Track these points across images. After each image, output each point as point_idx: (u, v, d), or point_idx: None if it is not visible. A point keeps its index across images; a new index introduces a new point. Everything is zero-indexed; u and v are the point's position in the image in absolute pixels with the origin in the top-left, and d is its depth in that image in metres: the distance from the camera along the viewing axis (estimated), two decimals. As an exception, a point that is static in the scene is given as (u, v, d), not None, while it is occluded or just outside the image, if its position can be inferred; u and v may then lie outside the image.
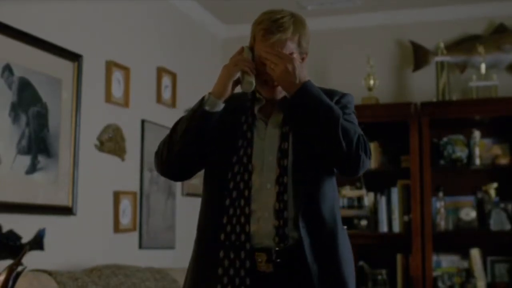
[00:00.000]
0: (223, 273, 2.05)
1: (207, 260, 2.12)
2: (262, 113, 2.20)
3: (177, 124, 2.19)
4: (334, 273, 2.08)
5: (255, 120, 2.18)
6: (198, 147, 2.14)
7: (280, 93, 2.18)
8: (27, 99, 3.22)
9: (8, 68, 3.11)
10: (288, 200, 2.06)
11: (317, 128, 2.05)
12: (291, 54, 2.13)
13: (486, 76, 4.85)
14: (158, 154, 2.21)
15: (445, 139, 4.75)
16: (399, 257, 4.78)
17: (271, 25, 2.12)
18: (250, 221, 2.06)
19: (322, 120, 2.04)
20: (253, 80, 2.14)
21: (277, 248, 2.04)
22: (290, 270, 2.06)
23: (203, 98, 2.14)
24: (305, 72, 2.10)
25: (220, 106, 2.13)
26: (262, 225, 2.06)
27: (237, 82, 2.16)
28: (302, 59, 2.20)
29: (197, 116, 2.12)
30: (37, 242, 1.66)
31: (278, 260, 2.05)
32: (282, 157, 2.09)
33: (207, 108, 2.11)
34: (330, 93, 2.22)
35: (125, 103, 4.01)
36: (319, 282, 2.04)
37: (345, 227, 2.21)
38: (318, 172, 2.12)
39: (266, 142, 2.14)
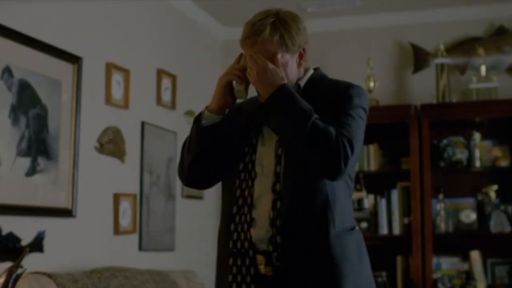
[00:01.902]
0: (232, 279, 2.09)
1: (221, 267, 2.16)
2: None
3: (187, 137, 2.26)
4: (325, 277, 2.04)
5: (261, 125, 2.18)
6: (207, 158, 2.19)
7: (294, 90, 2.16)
8: (27, 101, 3.22)
9: (8, 70, 3.10)
10: (281, 208, 2.06)
11: (286, 133, 2.04)
12: (275, 54, 2.11)
13: (486, 77, 4.84)
14: (179, 166, 2.31)
15: (445, 141, 4.75)
16: (399, 259, 4.77)
17: (249, 30, 2.13)
18: (251, 229, 2.08)
19: (290, 125, 2.02)
20: (242, 88, 2.14)
21: (275, 253, 2.05)
22: (289, 274, 2.05)
23: (200, 113, 2.19)
24: (281, 75, 2.08)
25: (216, 118, 2.16)
26: (261, 232, 2.08)
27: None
28: (300, 56, 2.19)
29: (195, 132, 2.18)
30: (37, 244, 1.66)
31: (277, 263, 2.05)
32: (277, 163, 2.09)
33: (203, 123, 2.16)
34: (334, 85, 2.19)
35: (125, 105, 4.01)
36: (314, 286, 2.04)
37: (357, 228, 2.17)
38: (307, 177, 2.07)
39: (266, 148, 2.14)
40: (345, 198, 2.14)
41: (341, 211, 2.10)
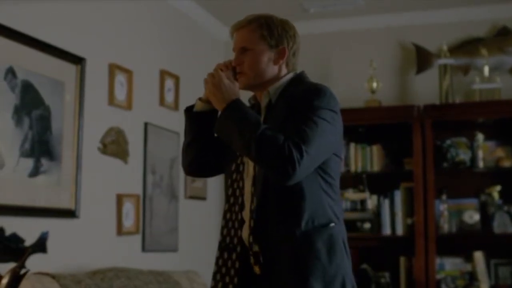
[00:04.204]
0: (217, 270, 2.21)
1: (215, 258, 2.27)
2: None
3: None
4: (293, 274, 2.09)
5: None
6: (200, 142, 2.32)
7: (265, 97, 2.25)
8: (30, 102, 3.22)
9: (11, 71, 3.11)
10: (254, 209, 2.15)
11: (237, 148, 2.12)
12: (249, 42, 2.23)
13: (489, 78, 4.84)
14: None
15: (448, 141, 4.74)
16: (402, 259, 4.77)
17: (234, 24, 2.30)
18: (243, 227, 2.18)
19: (238, 140, 2.07)
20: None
21: (261, 252, 2.14)
22: (270, 272, 2.13)
23: (192, 105, 2.36)
24: (235, 91, 2.17)
25: (206, 107, 2.30)
26: (246, 233, 2.17)
27: None
28: (279, 54, 2.25)
29: (186, 118, 2.36)
30: (40, 245, 1.66)
31: (263, 262, 2.14)
32: (254, 167, 2.18)
33: (194, 109, 2.33)
34: (300, 89, 2.19)
35: (128, 106, 4.01)
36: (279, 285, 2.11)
37: (332, 224, 2.14)
38: (270, 180, 2.11)
39: None
40: (321, 194, 2.14)
41: (312, 209, 2.11)
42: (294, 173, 1.99)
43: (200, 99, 2.32)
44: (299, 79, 2.28)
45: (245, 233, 2.17)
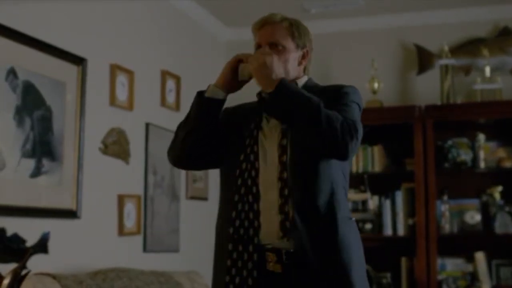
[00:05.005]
0: (232, 264, 2.13)
1: (219, 253, 2.22)
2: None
3: (185, 116, 2.35)
4: (333, 261, 2.11)
5: (261, 119, 2.25)
6: (202, 132, 2.25)
7: None
8: (31, 102, 3.22)
9: (12, 72, 3.11)
10: (289, 195, 2.12)
11: (300, 121, 2.10)
12: (279, 39, 2.24)
13: (490, 78, 4.84)
14: (170, 146, 2.38)
15: (449, 142, 4.75)
16: (403, 260, 4.77)
17: (262, 19, 2.30)
18: (260, 219, 2.13)
19: (302, 114, 2.07)
20: (247, 67, 2.22)
21: (285, 250, 2.10)
22: (297, 271, 2.10)
23: (204, 90, 2.30)
24: (285, 70, 2.19)
25: (220, 94, 2.26)
26: (270, 223, 2.13)
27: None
28: (303, 55, 2.31)
29: (197, 101, 2.28)
30: (42, 246, 1.66)
31: (287, 261, 2.10)
32: (282, 153, 2.16)
33: (206, 94, 2.26)
34: (328, 87, 2.29)
35: (129, 106, 4.01)
36: (320, 274, 2.09)
37: (353, 219, 2.23)
38: (314, 165, 2.14)
39: (268, 141, 2.21)
40: (343, 189, 2.22)
41: (341, 199, 2.19)
42: (356, 145, 2.07)
43: (215, 85, 2.28)
44: (313, 83, 2.34)
45: (266, 226, 2.13)
